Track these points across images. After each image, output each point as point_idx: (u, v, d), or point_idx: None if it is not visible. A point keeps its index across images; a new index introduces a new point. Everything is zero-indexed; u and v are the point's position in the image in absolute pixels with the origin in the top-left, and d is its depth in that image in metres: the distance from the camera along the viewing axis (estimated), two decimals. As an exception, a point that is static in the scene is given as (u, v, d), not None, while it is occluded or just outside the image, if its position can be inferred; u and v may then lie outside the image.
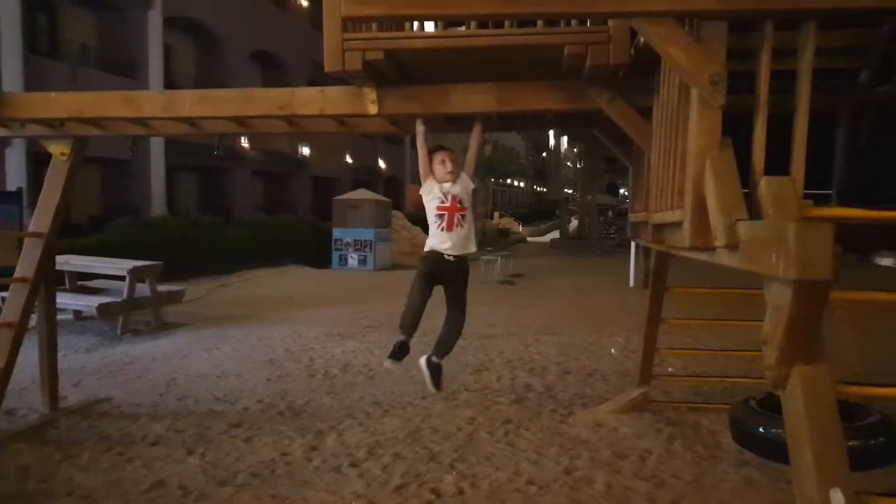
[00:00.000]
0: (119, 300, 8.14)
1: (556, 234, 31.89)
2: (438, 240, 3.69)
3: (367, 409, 5.24)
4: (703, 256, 2.41)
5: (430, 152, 3.72)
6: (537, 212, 45.38)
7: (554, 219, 37.20)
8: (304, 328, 8.64)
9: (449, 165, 3.65)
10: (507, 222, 35.11)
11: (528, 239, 33.00)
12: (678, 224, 2.58)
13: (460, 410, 5.22)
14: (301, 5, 25.41)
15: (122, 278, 8.33)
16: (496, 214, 35.84)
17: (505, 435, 4.67)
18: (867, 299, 2.02)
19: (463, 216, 3.71)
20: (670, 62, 2.33)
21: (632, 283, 13.40)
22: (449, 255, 3.69)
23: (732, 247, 2.01)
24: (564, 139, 44.63)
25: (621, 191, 49.82)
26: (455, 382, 6.04)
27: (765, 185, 2.09)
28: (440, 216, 3.67)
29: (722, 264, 2.37)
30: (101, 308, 7.82)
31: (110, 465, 4.10)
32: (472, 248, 3.81)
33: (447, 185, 3.66)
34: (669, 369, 6.41)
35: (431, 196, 3.69)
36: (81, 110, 3.98)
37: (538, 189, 62.81)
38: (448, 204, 3.65)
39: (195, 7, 19.26)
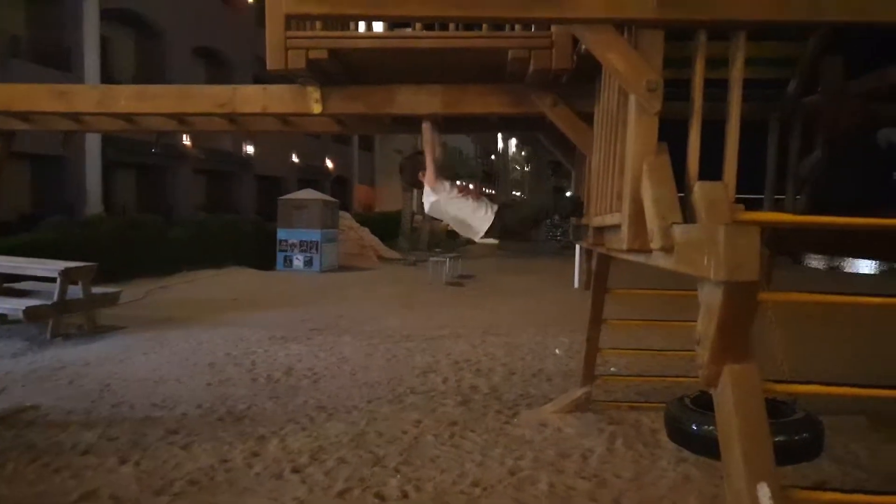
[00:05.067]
0: (49, 303, 7.78)
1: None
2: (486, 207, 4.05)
3: (310, 414, 5.16)
4: (640, 259, 2.46)
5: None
6: (485, 213, 45.48)
7: (501, 221, 37.43)
8: (247, 331, 8.46)
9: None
10: (456, 224, 35.11)
11: (477, 240, 33.10)
12: (617, 227, 2.64)
13: (406, 413, 5.20)
14: (246, 1, 24.90)
15: (53, 280, 7.97)
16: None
17: (450, 437, 4.68)
18: (794, 300, 2.10)
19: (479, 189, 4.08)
20: (609, 68, 2.38)
21: (576, 284, 13.65)
22: None
23: (667, 249, 2.06)
24: (513, 142, 45.07)
25: (567, 193, 50.59)
26: (401, 385, 6.03)
27: (698, 190, 2.16)
28: (469, 193, 4.02)
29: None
30: (29, 311, 7.47)
31: (36, 477, 3.90)
32: None
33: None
34: (612, 369, 6.55)
35: (447, 190, 3.95)
36: (9, 103, 3.80)
37: (487, 191, 63.23)
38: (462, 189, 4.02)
39: (135, -1, 18.64)
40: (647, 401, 5.48)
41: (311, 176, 29.06)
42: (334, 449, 4.41)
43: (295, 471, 4.04)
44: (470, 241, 32.13)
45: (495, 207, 3.85)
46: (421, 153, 3.86)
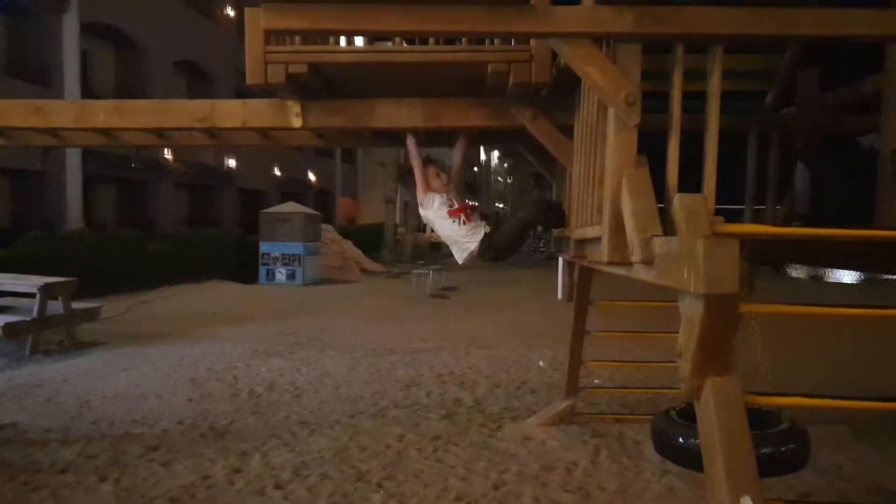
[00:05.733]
0: (27, 319, 7.67)
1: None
2: (468, 231, 3.83)
3: (293, 429, 5.11)
4: (621, 271, 2.47)
5: (423, 166, 3.83)
6: (469, 225, 45.58)
7: (485, 233, 37.51)
8: (229, 346, 8.37)
9: (444, 177, 3.85)
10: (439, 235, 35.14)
11: (459, 262, 33.08)
12: (598, 239, 2.64)
13: (389, 428, 5.16)
14: (228, 16, 24.87)
15: (32, 295, 7.85)
16: (428, 228, 35.87)
17: (434, 451, 4.64)
18: (777, 311, 2.10)
19: (474, 208, 3.96)
20: (588, 82, 2.39)
21: (559, 296, 13.67)
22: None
23: (648, 262, 2.06)
24: (495, 154, 45.29)
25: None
26: (384, 399, 5.98)
27: (677, 202, 2.16)
28: (456, 216, 3.83)
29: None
30: (7, 328, 7.34)
31: (14, 496, 3.82)
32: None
33: (445, 196, 3.85)
34: (595, 381, 6.55)
35: (436, 206, 3.81)
36: (-17, 119, 3.74)
37: (470, 203, 63.30)
38: (456, 206, 3.84)
39: (115, 13, 18.49)
40: (632, 413, 5.48)
41: (293, 189, 28.98)
42: (317, 464, 4.36)
43: (277, 487, 3.99)
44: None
45: (482, 232, 3.77)
46: (426, 162, 3.86)
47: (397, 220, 28.08)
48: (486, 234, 3.81)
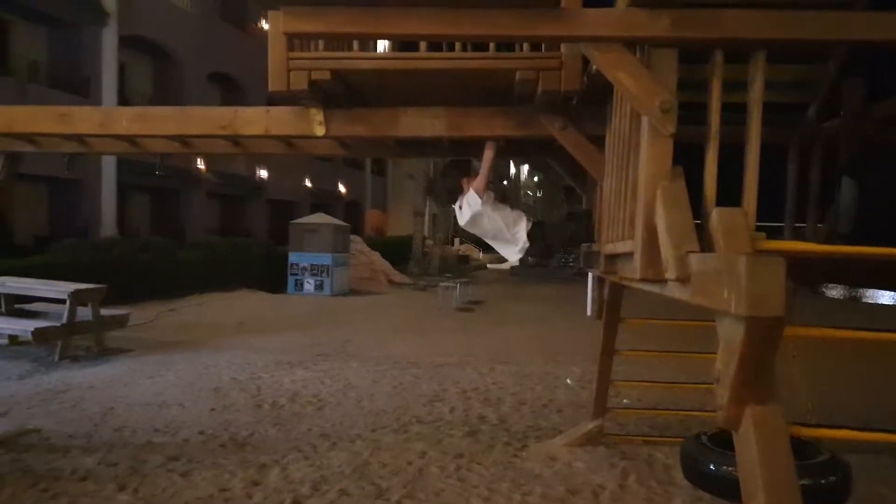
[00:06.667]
0: (57, 324, 7.75)
1: (515, 262, 31.88)
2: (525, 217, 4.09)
3: (313, 442, 5.02)
4: (654, 288, 2.33)
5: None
6: (498, 239, 45.46)
7: (514, 246, 37.35)
8: (254, 356, 8.35)
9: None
10: (468, 249, 35.11)
11: (488, 266, 33.02)
12: (629, 255, 2.51)
13: (411, 444, 5.04)
14: (262, 28, 25.24)
15: (63, 301, 7.94)
16: (456, 241, 35.83)
17: (456, 470, 4.51)
18: (822, 336, 1.95)
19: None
20: (620, 89, 2.27)
21: (588, 312, 13.43)
22: None
23: (683, 280, 1.92)
24: (525, 168, 45.10)
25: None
26: (407, 414, 5.87)
27: (716, 216, 2.02)
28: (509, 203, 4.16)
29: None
30: (37, 332, 7.43)
31: (33, 503, 3.80)
32: None
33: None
34: (624, 401, 6.35)
35: (492, 200, 3.99)
36: (10, 125, 3.75)
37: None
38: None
39: (152, 27, 18.90)
40: (661, 435, 5.29)
41: (323, 200, 29.17)
42: (336, 479, 4.27)
43: (295, 501, 3.91)
44: (481, 267, 32.00)
45: (530, 223, 3.79)
46: (464, 161, 3.89)
47: (426, 233, 28.05)
48: (536, 222, 3.87)
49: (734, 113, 2.43)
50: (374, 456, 4.74)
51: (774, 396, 1.70)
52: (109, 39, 17.05)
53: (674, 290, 2.10)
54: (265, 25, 24.64)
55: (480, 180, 3.72)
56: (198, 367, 7.64)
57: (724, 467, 2.96)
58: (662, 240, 2.08)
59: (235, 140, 3.88)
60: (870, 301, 16.92)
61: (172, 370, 7.43)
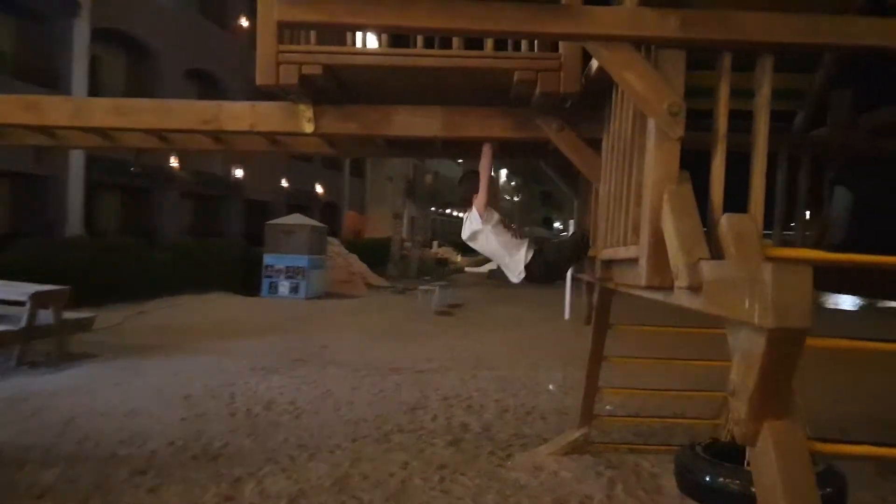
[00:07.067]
0: (15, 328, 7.31)
1: (493, 265, 31.88)
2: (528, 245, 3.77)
3: (291, 453, 4.85)
4: (657, 296, 2.25)
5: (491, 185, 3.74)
6: (475, 243, 45.49)
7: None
8: (227, 361, 8.13)
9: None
10: (446, 252, 35.03)
11: (467, 269, 32.97)
12: (632, 261, 2.43)
13: (393, 454, 4.91)
14: (241, 26, 24.90)
15: (23, 304, 7.50)
16: (435, 243, 35.73)
17: (440, 481, 4.39)
18: (843, 347, 1.89)
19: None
20: (627, 90, 2.20)
21: (566, 316, 13.43)
22: None
23: (695, 288, 1.85)
24: (503, 172, 45.21)
25: (556, 224, 50.75)
26: (388, 423, 5.74)
27: (726, 223, 1.96)
28: (513, 231, 3.80)
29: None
30: (-8, 337, 7.08)
31: (-18, 523, 3.60)
32: None
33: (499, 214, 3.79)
34: (608, 407, 6.29)
35: (495, 221, 3.72)
36: (-27, 115, 3.53)
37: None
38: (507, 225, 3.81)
39: (127, 19, 18.44)
40: (646, 443, 5.24)
41: (300, 201, 28.86)
42: (315, 493, 4.12)
43: (273, 517, 3.76)
44: (459, 270, 31.83)
45: (531, 252, 3.65)
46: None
47: (404, 235, 27.92)
48: (537, 251, 3.72)
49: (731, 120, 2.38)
50: (355, 467, 4.59)
51: (793, 410, 1.63)
52: (81, 31, 16.60)
53: (682, 299, 2.02)
54: (245, 22, 24.32)
55: (481, 196, 3.60)
56: (168, 373, 7.40)
57: (720, 479, 2.90)
58: (671, 246, 2.00)
59: (218, 136, 3.73)
60: (831, 306, 17.07)
61: (141, 376, 7.17)
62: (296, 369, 7.84)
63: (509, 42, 3.19)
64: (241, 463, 4.60)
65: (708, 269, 1.82)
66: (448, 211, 48.78)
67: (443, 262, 31.34)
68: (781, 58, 2.38)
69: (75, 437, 5.07)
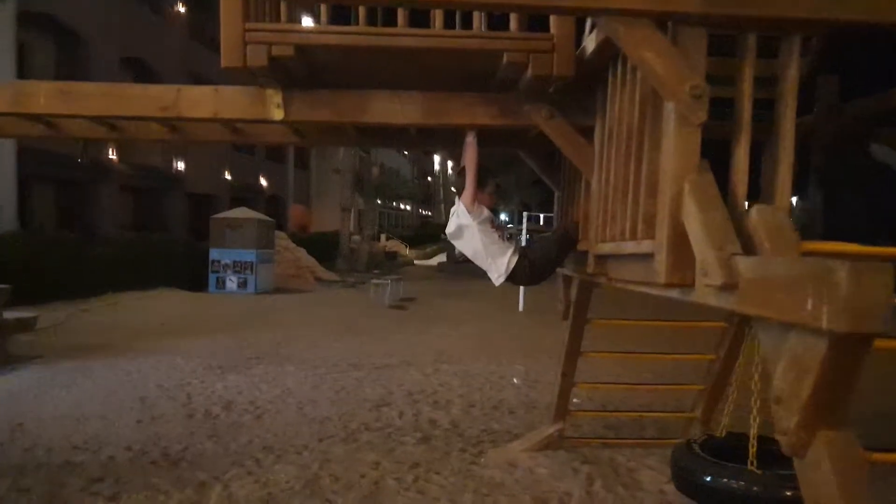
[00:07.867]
0: (-49, 331, 6.91)
1: (442, 258, 31.82)
2: (514, 248, 3.58)
3: (256, 455, 4.61)
4: (672, 293, 2.11)
5: (482, 178, 3.51)
6: (423, 235, 45.43)
7: (439, 242, 37.33)
8: (180, 360, 7.74)
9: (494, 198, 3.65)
10: (394, 245, 34.70)
11: (416, 262, 32.76)
12: (640, 256, 2.29)
13: (362, 454, 4.71)
14: (179, 13, 23.88)
15: (-44, 305, 7.08)
16: (383, 237, 35.34)
17: (414, 481, 4.23)
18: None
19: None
20: (645, 71, 2.04)
21: (521, 308, 13.39)
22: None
23: (730, 286, 1.70)
24: (450, 164, 45.07)
25: (502, 216, 50.95)
26: (354, 421, 5.53)
27: (756, 215, 1.83)
28: (501, 233, 3.61)
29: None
30: (-73, 340, 6.58)
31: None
32: None
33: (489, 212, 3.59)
34: (575, 400, 6.19)
35: (483, 218, 3.53)
36: None
37: (423, 213, 63.07)
38: (495, 225, 3.62)
39: (56, 3, 17.43)
40: (618, 437, 5.18)
41: (244, 194, 28.14)
42: (286, 497, 3.91)
43: (241, 527, 3.53)
44: (408, 263, 31.66)
45: (515, 257, 3.48)
46: (486, 174, 3.55)
47: (352, 228, 27.49)
48: (522, 254, 3.53)
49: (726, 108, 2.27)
50: (324, 469, 4.40)
51: (848, 419, 1.51)
52: (6, 16, 15.56)
53: (707, 297, 1.89)
54: (181, 10, 23.34)
55: (468, 190, 3.40)
56: (119, 373, 7.00)
57: (722, 479, 2.80)
58: (697, 240, 1.86)
59: (174, 125, 3.41)
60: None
61: (90, 378, 6.76)
62: (252, 367, 7.52)
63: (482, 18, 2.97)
64: (204, 467, 4.35)
65: (746, 265, 1.68)
66: (394, 204, 48.41)
67: (392, 255, 31.05)
68: (764, 42, 2.29)
69: (24, 444, 4.75)
